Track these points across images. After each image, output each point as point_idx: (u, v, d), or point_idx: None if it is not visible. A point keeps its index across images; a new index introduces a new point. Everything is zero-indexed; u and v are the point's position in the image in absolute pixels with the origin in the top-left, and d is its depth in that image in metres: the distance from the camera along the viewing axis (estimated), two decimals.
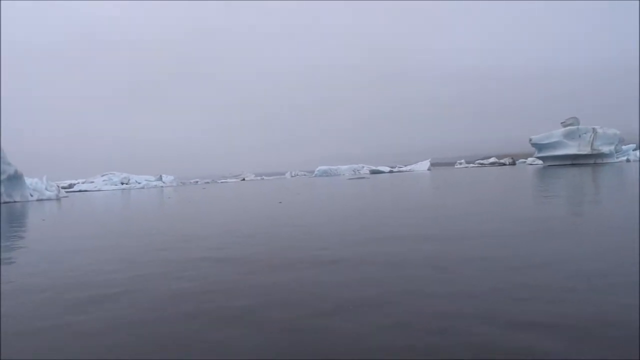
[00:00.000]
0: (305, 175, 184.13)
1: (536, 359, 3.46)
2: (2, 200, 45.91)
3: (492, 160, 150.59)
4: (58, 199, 53.26)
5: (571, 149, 79.92)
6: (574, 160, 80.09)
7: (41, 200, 50.45)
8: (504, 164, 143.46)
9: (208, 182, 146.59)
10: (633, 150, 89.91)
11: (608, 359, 3.42)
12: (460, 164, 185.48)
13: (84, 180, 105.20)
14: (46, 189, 54.13)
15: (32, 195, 50.35)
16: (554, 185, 25.06)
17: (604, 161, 77.96)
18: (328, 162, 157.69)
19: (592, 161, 78.40)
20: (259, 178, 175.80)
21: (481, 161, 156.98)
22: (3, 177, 46.55)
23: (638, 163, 70.38)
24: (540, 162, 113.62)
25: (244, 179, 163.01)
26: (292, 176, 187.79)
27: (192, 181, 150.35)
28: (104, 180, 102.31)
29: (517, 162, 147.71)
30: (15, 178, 48.35)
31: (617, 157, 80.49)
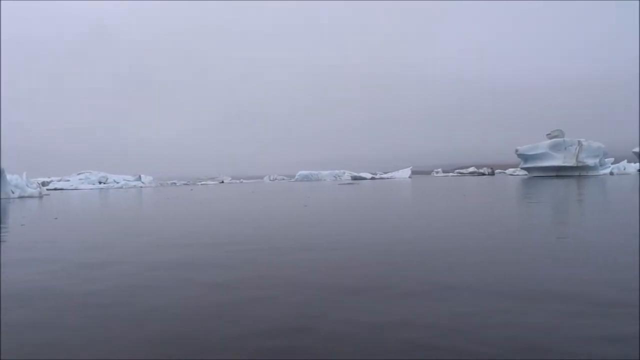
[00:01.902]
0: (284, 179, 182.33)
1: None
2: None
3: (471, 169, 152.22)
4: (40, 196, 50.42)
5: (557, 161, 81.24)
6: (559, 172, 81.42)
7: (23, 197, 47.62)
8: (483, 174, 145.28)
9: (187, 184, 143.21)
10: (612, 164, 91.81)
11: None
12: (437, 172, 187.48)
13: (59, 178, 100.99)
14: (27, 186, 51.24)
15: (13, 192, 47.48)
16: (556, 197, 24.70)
17: (588, 173, 79.42)
18: (307, 167, 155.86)
19: (576, 173, 79.77)
20: (237, 181, 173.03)
21: (460, 170, 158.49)
22: None
23: (625, 175, 71.90)
24: (521, 172, 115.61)
25: (222, 182, 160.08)
26: (270, 180, 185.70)
27: (169, 182, 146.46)
28: (80, 179, 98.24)
29: (495, 172, 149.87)
30: None
31: (600, 170, 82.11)
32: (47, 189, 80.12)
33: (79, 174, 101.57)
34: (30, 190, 50.27)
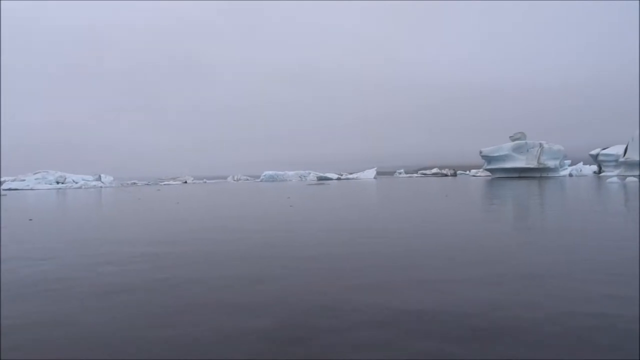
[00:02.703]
0: (248, 179, 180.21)
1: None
2: None
3: (434, 170, 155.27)
4: None
5: (519, 162, 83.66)
6: (521, 173, 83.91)
7: None
8: (446, 175, 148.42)
9: (148, 184, 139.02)
10: (570, 165, 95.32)
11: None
12: (400, 173, 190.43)
13: (12, 178, 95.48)
14: None
15: None
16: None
17: (549, 175, 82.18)
18: (271, 167, 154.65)
19: (538, 175, 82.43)
20: (200, 181, 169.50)
21: (424, 171, 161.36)
22: None
23: (582, 177, 74.72)
24: (483, 173, 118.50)
25: (185, 182, 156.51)
26: (234, 180, 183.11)
27: (130, 183, 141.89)
28: (36, 179, 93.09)
29: (457, 173, 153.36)
30: None
31: (560, 172, 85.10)
32: (3, 189, 76.00)
33: (35, 173, 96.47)
34: None
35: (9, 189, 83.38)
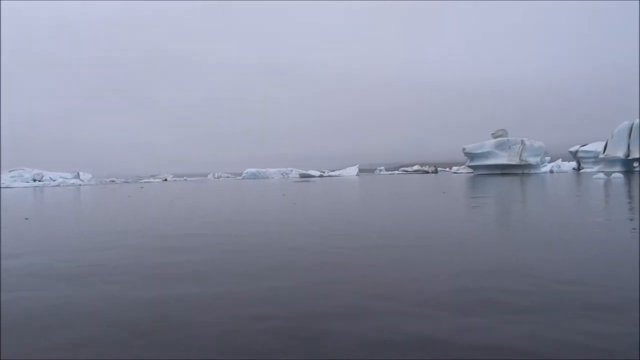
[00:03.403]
0: (229, 177, 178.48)
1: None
2: None
3: (415, 167, 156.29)
4: None
5: (501, 159, 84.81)
6: (504, 170, 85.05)
7: None
8: (427, 172, 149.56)
9: (128, 182, 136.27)
10: (549, 162, 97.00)
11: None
12: (381, 170, 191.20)
13: None
14: None
15: None
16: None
17: (531, 172, 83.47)
18: (251, 165, 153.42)
19: (520, 171, 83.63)
20: (181, 179, 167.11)
21: (405, 168, 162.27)
22: None
23: (563, 174, 76.16)
24: (464, 170, 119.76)
25: (165, 180, 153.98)
26: (215, 178, 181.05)
27: (108, 180, 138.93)
28: (12, 177, 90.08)
29: (438, 170, 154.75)
30: None
31: (541, 168, 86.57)
32: None
33: (11, 171, 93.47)
34: None
35: None
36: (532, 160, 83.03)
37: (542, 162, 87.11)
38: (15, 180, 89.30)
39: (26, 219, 17.62)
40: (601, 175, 45.82)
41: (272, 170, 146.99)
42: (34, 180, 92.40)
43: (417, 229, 11.53)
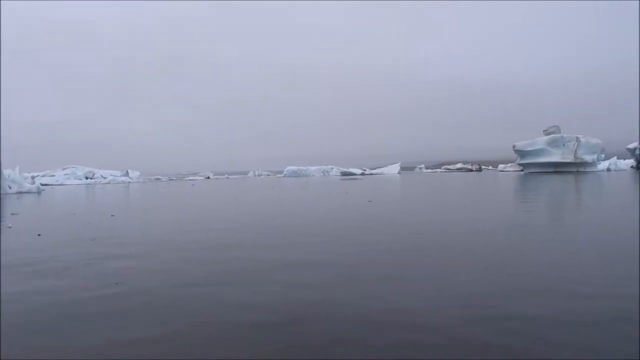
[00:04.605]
0: (269, 175, 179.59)
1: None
2: None
3: (458, 166, 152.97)
4: (39, 192, 47.35)
5: (555, 157, 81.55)
6: (557, 168, 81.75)
7: (21, 193, 44.57)
8: (471, 170, 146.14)
9: (172, 179, 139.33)
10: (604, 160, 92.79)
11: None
12: (420, 169, 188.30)
13: (42, 173, 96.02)
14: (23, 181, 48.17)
15: (10, 188, 44.42)
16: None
17: (586, 170, 80.00)
18: (292, 163, 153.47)
19: (574, 169, 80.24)
20: (222, 177, 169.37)
21: (448, 167, 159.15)
22: None
23: (622, 172, 72.74)
24: (512, 168, 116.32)
25: (208, 177, 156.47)
26: (255, 175, 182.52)
27: (153, 178, 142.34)
28: (65, 174, 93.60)
29: (482, 168, 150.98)
30: None
31: (598, 166, 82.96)
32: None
33: (64, 168, 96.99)
34: (27, 186, 47.18)
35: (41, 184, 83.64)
36: (588, 158, 79.46)
37: (599, 160, 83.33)
38: (68, 178, 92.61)
39: (112, 215, 17.78)
40: None
41: (313, 168, 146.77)
42: (86, 178, 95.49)
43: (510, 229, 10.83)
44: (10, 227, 13.44)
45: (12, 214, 18.95)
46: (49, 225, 14.52)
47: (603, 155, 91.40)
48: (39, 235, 11.78)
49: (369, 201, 21.66)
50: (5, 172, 45.90)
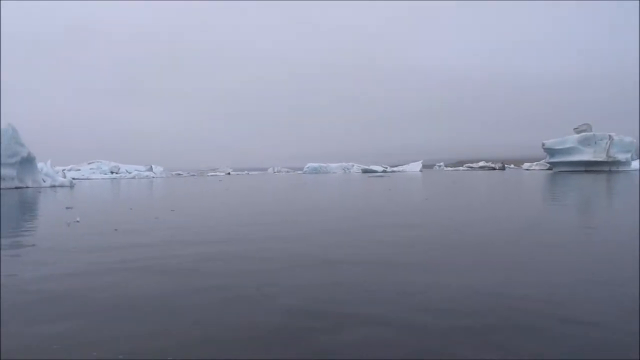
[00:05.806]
0: (289, 171, 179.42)
1: None
2: (14, 185, 40.20)
3: (481, 164, 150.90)
4: (71, 185, 47.55)
5: (586, 156, 79.50)
6: (588, 167, 79.71)
7: (54, 186, 44.79)
8: (494, 168, 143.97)
9: (194, 175, 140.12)
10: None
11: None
12: (440, 166, 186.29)
13: (69, 167, 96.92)
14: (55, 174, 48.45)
15: (44, 181, 44.65)
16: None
17: (619, 169, 77.89)
18: (311, 160, 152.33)
19: (606, 169, 78.16)
20: (243, 173, 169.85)
21: (470, 165, 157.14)
22: (16, 159, 40.85)
23: None
24: (537, 167, 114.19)
25: (229, 173, 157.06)
26: (275, 172, 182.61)
27: (174, 173, 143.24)
28: (91, 169, 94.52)
29: (505, 166, 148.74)
30: (28, 161, 42.73)
31: (631, 165, 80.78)
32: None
33: (90, 163, 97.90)
34: (60, 179, 47.43)
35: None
36: (621, 156, 77.30)
37: (632, 158, 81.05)
38: (94, 172, 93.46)
39: (172, 210, 17.37)
40: None
41: (333, 165, 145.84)
42: (112, 172, 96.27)
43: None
44: (78, 222, 13.06)
45: (67, 208, 18.66)
46: (118, 220, 14.14)
47: (637, 155, 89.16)
48: (115, 230, 11.36)
49: (426, 199, 20.98)
50: (40, 165, 46.21)
